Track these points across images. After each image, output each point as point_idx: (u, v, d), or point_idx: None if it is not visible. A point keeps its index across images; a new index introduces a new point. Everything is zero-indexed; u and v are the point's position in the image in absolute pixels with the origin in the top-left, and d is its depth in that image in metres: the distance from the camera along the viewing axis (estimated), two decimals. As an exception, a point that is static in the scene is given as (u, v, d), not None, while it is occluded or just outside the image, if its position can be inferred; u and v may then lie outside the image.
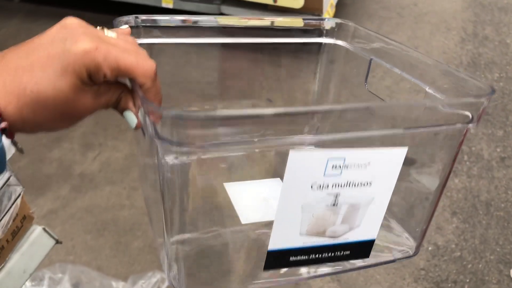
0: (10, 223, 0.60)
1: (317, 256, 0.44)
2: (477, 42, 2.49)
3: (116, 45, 0.33)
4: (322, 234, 0.43)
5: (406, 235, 0.56)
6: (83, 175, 1.80)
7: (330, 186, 0.40)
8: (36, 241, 0.65)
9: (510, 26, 2.61)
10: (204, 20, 0.50)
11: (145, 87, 0.34)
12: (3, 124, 0.31)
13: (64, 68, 0.32)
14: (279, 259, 0.43)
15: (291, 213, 0.41)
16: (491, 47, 2.44)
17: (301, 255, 0.44)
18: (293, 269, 0.46)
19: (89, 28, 0.34)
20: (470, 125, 0.45)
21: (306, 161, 0.38)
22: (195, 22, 0.50)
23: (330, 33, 0.61)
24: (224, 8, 2.32)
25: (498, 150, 1.82)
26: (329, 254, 0.45)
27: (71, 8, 2.55)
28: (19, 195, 0.62)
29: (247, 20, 0.54)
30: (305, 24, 0.57)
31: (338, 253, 0.45)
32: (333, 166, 0.40)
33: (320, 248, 0.44)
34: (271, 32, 0.56)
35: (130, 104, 0.37)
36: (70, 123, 0.34)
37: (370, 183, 0.42)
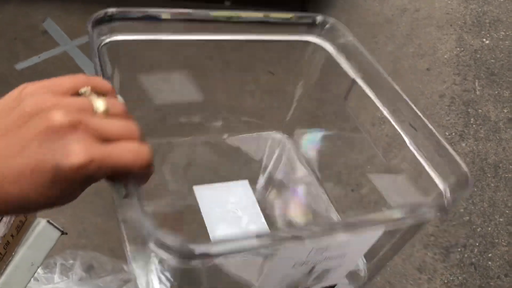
0: (13, 218, 0.60)
1: None
2: (481, 0, 2.43)
3: (110, 143, 0.31)
4: None
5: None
6: (89, 159, 1.81)
7: (310, 263, 0.41)
8: (41, 233, 0.65)
9: (515, -19, 2.54)
10: (193, 14, 0.49)
11: (143, 176, 0.33)
12: None
13: (53, 181, 0.29)
14: None
15: (271, 285, 0.42)
16: (496, 5, 2.38)
17: None
18: None
19: (78, 125, 0.30)
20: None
21: (294, 251, 0.39)
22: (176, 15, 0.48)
23: (318, 31, 0.57)
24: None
25: (505, 111, 1.80)
26: None
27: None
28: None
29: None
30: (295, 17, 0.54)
31: None
32: (316, 250, 0.40)
33: None
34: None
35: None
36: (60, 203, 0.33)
37: (344, 255, 0.42)
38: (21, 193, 0.29)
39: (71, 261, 0.99)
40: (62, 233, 0.68)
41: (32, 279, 0.66)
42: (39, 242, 0.65)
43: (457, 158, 0.43)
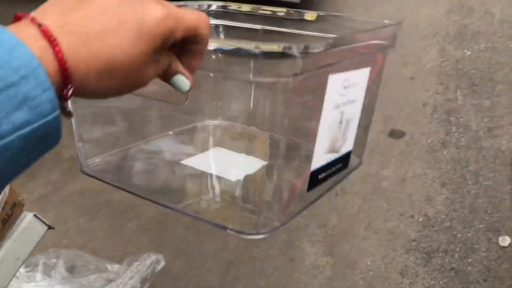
0: (0, 211, 0.60)
1: (329, 172, 0.53)
2: (463, 13, 2.49)
3: (173, 5, 0.34)
4: (332, 150, 0.52)
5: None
6: (73, 159, 1.79)
7: (340, 105, 0.50)
8: (28, 228, 0.65)
9: (496, -5, 2.61)
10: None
11: (206, 38, 0.35)
12: (71, 91, 0.29)
13: (139, 35, 0.30)
14: (315, 178, 0.51)
15: (323, 133, 0.49)
16: (477, 17, 2.44)
17: (323, 172, 0.52)
18: None
19: None
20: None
21: (336, 83, 0.47)
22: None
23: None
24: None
25: (486, 120, 1.84)
26: (334, 168, 0.54)
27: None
28: (8, 182, 0.62)
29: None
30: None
31: (337, 166, 0.54)
32: (344, 87, 0.49)
33: (331, 164, 0.52)
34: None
35: (180, 67, 0.36)
36: (128, 91, 0.33)
37: (355, 100, 0.51)
38: (107, 51, 0.30)
39: (54, 260, 0.98)
40: (49, 227, 0.67)
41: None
42: (25, 236, 0.64)
43: None
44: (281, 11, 0.53)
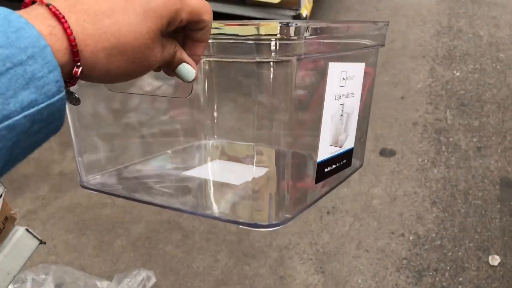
0: (-7, 224, 0.59)
1: (334, 166, 0.54)
2: (452, 35, 2.53)
3: None
4: (336, 144, 0.53)
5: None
6: (62, 174, 1.78)
7: (341, 97, 0.51)
8: (19, 242, 0.64)
9: (483, 18, 2.66)
10: None
11: (209, 25, 0.36)
12: (80, 69, 0.30)
13: (146, 13, 0.31)
14: (321, 170, 0.52)
15: (326, 123, 0.50)
16: (465, 39, 2.49)
17: (329, 166, 0.53)
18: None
19: None
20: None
21: (335, 72, 0.49)
22: None
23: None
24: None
25: (475, 140, 1.86)
26: (338, 164, 0.55)
27: None
28: (1, 195, 0.61)
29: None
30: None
31: (340, 162, 0.55)
32: (343, 78, 0.51)
33: (335, 159, 0.54)
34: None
35: (185, 56, 0.37)
36: (136, 75, 0.34)
37: (353, 94, 0.53)
38: (115, 28, 0.30)
39: (43, 276, 0.96)
40: (41, 242, 0.66)
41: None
42: (16, 251, 0.63)
43: None
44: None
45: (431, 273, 1.38)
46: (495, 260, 1.41)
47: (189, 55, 0.37)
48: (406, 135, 1.90)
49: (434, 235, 1.50)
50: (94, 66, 0.31)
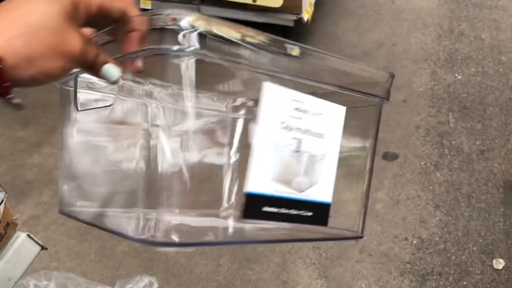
0: (-6, 230, 0.58)
1: (285, 211, 0.46)
2: (453, 38, 2.53)
3: None
4: (289, 184, 0.46)
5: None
6: (64, 180, 1.78)
7: (294, 129, 0.45)
8: (21, 248, 0.63)
9: (485, 21, 2.66)
10: None
11: (130, 16, 0.36)
12: (2, 65, 0.31)
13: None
14: (255, 206, 0.44)
15: (265, 151, 0.44)
16: (467, 43, 2.48)
17: (273, 206, 0.45)
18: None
19: None
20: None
21: (277, 96, 0.44)
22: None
23: None
24: (204, 8, 2.31)
25: (478, 143, 1.86)
26: (295, 212, 0.47)
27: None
28: (2, 201, 0.61)
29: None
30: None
31: (303, 212, 0.47)
32: (296, 108, 0.45)
33: (288, 202, 0.46)
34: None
35: (107, 57, 0.37)
36: (63, 65, 0.34)
37: (323, 135, 0.47)
38: (23, 12, 0.32)
39: (45, 282, 0.96)
40: (42, 248, 0.66)
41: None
42: (18, 256, 0.63)
43: None
44: (265, 41, 0.48)
45: (435, 277, 1.38)
46: (499, 263, 1.40)
47: (123, 53, 0.37)
48: (408, 139, 1.89)
49: (437, 239, 1.49)
50: (14, 53, 0.31)
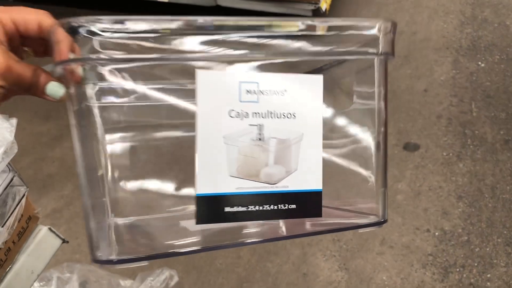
0: (16, 224, 0.59)
1: (258, 208, 0.40)
2: (476, 25, 2.47)
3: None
4: (256, 177, 0.40)
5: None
6: (85, 174, 1.79)
7: (250, 115, 0.39)
8: (43, 241, 0.64)
9: (509, 7, 2.59)
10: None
11: (52, 29, 0.36)
12: None
13: None
14: (212, 209, 0.38)
15: (213, 147, 0.38)
16: (491, 30, 2.42)
17: (238, 206, 0.39)
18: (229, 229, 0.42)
19: None
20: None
21: (218, 83, 0.38)
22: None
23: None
24: (221, 0, 2.30)
25: (502, 132, 1.81)
26: (272, 207, 0.40)
27: (66, 6, 2.53)
28: (24, 195, 0.61)
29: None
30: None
31: (282, 206, 0.41)
32: (247, 91, 0.38)
33: (259, 198, 0.40)
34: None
35: (48, 77, 0.37)
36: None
37: (294, 115, 0.40)
38: None
39: (67, 274, 0.97)
40: (64, 241, 0.66)
41: (30, 289, 0.64)
42: (40, 250, 0.64)
43: None
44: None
45: (458, 270, 1.35)
46: (525, 255, 1.37)
47: (56, 63, 0.37)
48: (430, 129, 1.86)
49: (460, 230, 1.46)
50: None
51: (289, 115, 0.40)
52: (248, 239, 0.42)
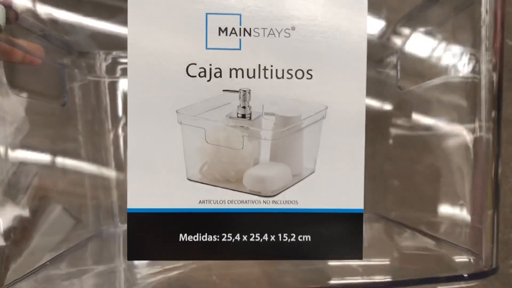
0: (29, 202, 0.58)
1: (239, 239, 0.22)
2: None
3: None
4: (236, 183, 0.23)
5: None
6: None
7: (225, 72, 0.22)
8: (57, 220, 0.63)
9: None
10: None
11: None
12: None
13: None
14: (155, 236, 0.23)
15: (158, 129, 0.23)
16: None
17: (203, 232, 0.23)
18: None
19: None
20: None
21: (165, 11, 0.21)
22: None
23: None
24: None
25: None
26: (267, 238, 0.22)
27: None
28: (36, 173, 0.60)
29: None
30: None
31: (287, 236, 0.22)
32: (220, 30, 0.22)
33: (243, 219, 0.22)
34: None
35: None
36: None
37: (309, 72, 0.22)
38: None
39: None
40: (78, 221, 0.66)
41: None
42: (54, 229, 0.63)
43: None
44: None
45: None
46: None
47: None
48: None
49: None
50: None
51: (299, 72, 0.23)
52: None
